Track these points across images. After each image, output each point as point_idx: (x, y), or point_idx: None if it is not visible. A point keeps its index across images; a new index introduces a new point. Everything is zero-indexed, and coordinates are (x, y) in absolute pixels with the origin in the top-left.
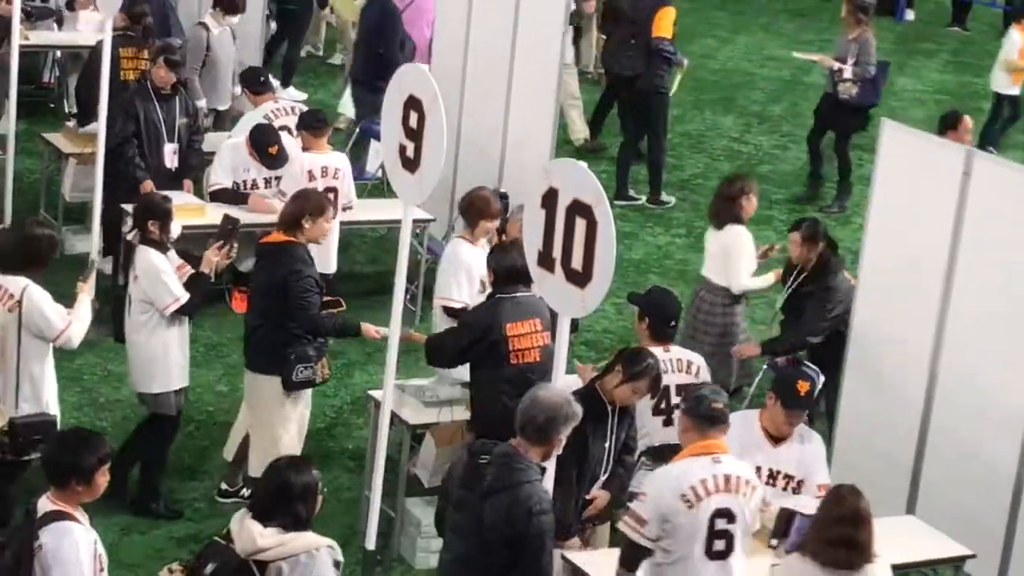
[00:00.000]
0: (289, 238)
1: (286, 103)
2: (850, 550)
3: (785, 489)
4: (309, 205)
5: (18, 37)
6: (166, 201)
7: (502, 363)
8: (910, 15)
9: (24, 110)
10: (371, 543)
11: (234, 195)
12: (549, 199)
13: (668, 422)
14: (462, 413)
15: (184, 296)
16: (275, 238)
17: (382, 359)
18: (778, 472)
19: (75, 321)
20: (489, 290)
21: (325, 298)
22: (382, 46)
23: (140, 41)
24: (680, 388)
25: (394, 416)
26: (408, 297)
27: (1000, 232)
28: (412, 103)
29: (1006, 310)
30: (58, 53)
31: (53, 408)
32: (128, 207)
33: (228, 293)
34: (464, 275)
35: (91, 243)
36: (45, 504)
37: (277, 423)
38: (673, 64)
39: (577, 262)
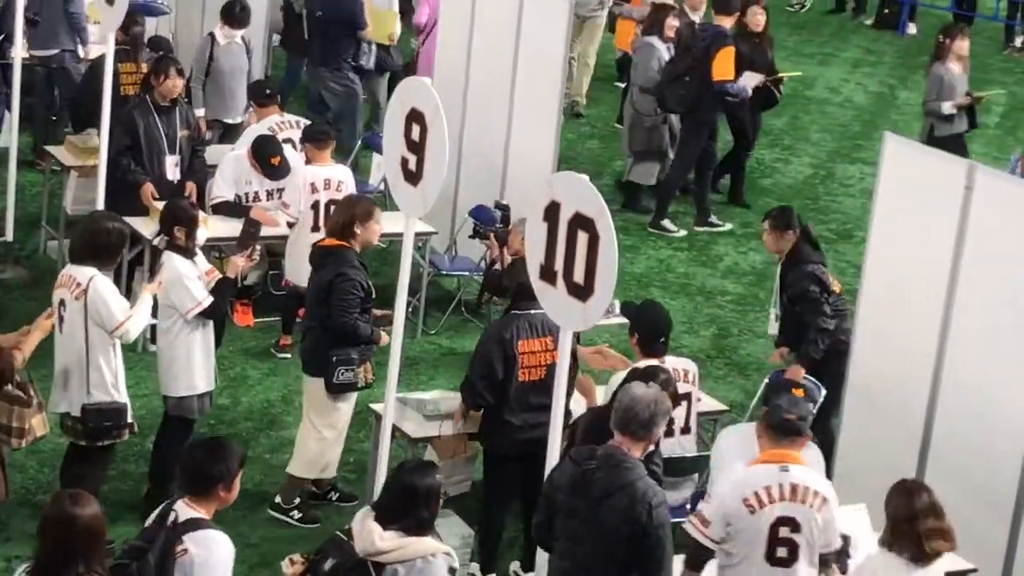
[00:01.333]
0: (340, 243)
1: (290, 117)
2: (945, 539)
3: None
4: (358, 211)
5: (21, 50)
6: (192, 207)
7: (511, 379)
8: (912, 29)
9: (26, 123)
10: None
11: (236, 208)
12: (551, 212)
13: (669, 432)
14: (463, 426)
15: (206, 300)
16: (328, 242)
17: (384, 373)
18: None
19: (134, 316)
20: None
21: (379, 312)
22: None
23: (136, 55)
24: (679, 397)
25: (395, 429)
26: (410, 310)
27: (1002, 246)
28: (414, 116)
29: (1009, 324)
30: None
31: (122, 396)
32: (130, 219)
33: (231, 306)
34: None
35: None
36: (185, 509)
37: (320, 425)
38: (737, 97)
39: (579, 275)
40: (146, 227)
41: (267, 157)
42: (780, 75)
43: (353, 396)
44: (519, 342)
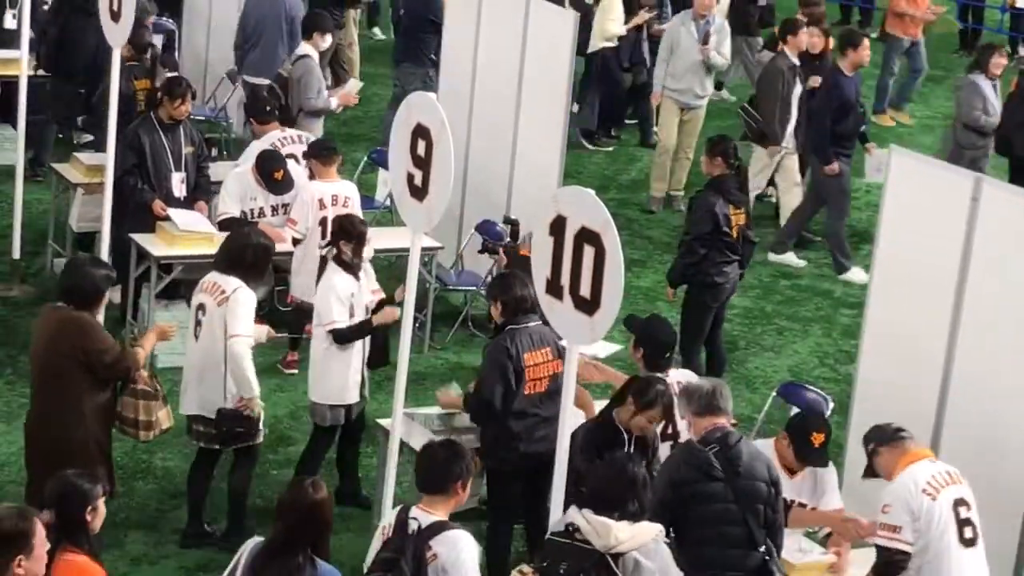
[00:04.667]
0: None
1: (293, 132)
2: None
3: None
4: None
5: (27, 68)
6: (363, 224)
7: (517, 393)
8: None
9: (32, 140)
10: None
11: (242, 224)
12: (557, 227)
13: (675, 447)
14: (470, 442)
15: (341, 323)
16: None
17: (391, 388)
18: (793, 501)
19: (251, 341)
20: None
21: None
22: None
23: (150, 71)
24: (672, 410)
25: (403, 445)
26: (417, 325)
27: (1009, 258)
28: (420, 131)
29: (1017, 334)
30: None
31: (259, 403)
32: (137, 237)
33: None
34: None
35: None
36: (423, 515)
37: None
38: None
39: (586, 290)
40: (153, 245)
41: (270, 172)
42: None
43: None
44: (525, 355)
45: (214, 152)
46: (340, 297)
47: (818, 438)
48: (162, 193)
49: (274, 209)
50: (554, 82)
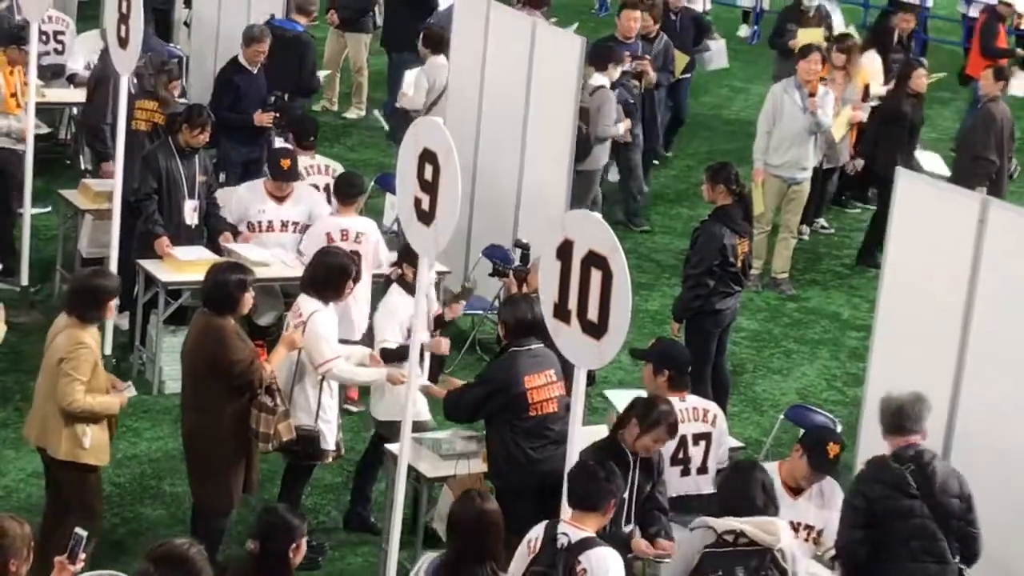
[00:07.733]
0: None
1: (320, 161)
2: None
3: (807, 540)
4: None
5: (35, 94)
6: None
7: (522, 416)
8: (924, 63)
9: (40, 166)
10: None
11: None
12: (564, 251)
13: (686, 472)
14: (479, 466)
15: (391, 342)
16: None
17: None
18: (799, 524)
19: (342, 360)
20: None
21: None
22: None
23: (141, 91)
24: (697, 437)
25: (411, 469)
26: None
27: (1017, 278)
28: (427, 156)
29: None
30: (74, 110)
31: (322, 423)
32: (144, 263)
33: None
34: None
35: None
36: (575, 531)
37: None
38: None
39: (593, 313)
40: (161, 271)
41: (277, 160)
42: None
43: None
44: (525, 377)
45: (222, 177)
46: (399, 318)
47: (834, 449)
48: (173, 220)
49: (283, 224)
50: (561, 105)
